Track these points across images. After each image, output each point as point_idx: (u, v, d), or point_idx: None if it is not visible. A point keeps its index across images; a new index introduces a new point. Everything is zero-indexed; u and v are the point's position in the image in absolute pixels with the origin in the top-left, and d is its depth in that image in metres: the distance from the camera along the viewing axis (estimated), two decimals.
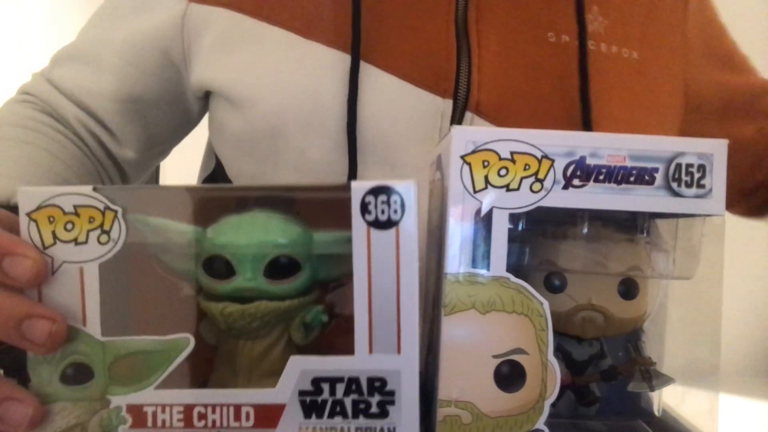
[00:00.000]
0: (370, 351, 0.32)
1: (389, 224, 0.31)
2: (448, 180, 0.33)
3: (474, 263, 0.33)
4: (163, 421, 0.32)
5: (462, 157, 0.33)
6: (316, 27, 0.53)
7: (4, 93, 0.63)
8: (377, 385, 0.32)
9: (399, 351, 0.32)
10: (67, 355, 0.33)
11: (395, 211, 0.31)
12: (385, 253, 0.32)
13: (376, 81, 0.52)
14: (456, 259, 0.33)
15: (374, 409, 0.32)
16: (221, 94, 0.56)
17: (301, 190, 0.37)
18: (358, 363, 0.32)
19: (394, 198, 0.31)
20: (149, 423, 0.32)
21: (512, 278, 0.33)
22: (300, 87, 0.53)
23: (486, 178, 0.33)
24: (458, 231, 0.33)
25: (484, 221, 0.33)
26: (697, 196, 0.33)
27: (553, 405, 0.33)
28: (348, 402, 0.32)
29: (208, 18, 0.55)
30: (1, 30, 1.87)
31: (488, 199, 0.33)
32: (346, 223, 0.32)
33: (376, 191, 0.31)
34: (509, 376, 0.33)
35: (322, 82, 0.52)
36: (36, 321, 0.31)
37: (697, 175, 0.33)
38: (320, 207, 0.36)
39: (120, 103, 0.59)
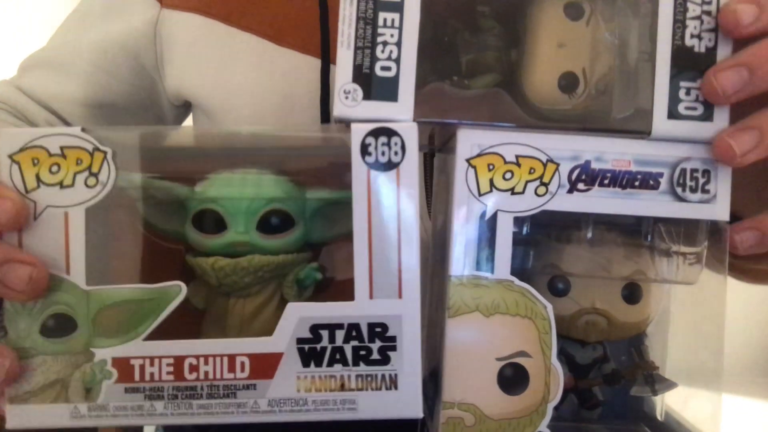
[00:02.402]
0: (371, 296, 0.31)
1: (390, 166, 0.31)
2: (453, 183, 0.33)
3: (478, 266, 0.33)
4: (152, 375, 0.31)
5: (467, 160, 0.33)
6: (286, 33, 0.53)
7: None
8: (378, 330, 0.31)
9: (400, 295, 0.31)
10: (48, 305, 0.31)
11: (396, 153, 0.31)
12: (386, 196, 0.31)
13: None
14: (460, 262, 0.33)
15: (375, 356, 0.31)
16: (196, 102, 0.56)
17: (297, 139, 0.36)
18: (358, 308, 0.31)
19: (395, 140, 0.31)
20: (136, 377, 0.31)
21: (516, 281, 0.33)
22: (274, 92, 0.53)
23: (491, 181, 0.33)
24: (463, 234, 0.33)
25: (489, 224, 0.33)
26: (701, 201, 0.33)
27: (555, 408, 0.33)
28: (348, 349, 0.31)
29: (180, 24, 0.55)
30: (1, 30, 1.87)
31: (492, 202, 0.33)
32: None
33: (376, 133, 0.31)
34: (512, 378, 0.33)
35: (296, 86, 0.52)
36: (15, 266, 0.29)
37: (701, 180, 0.33)
38: (310, 171, 0.36)
39: (90, 108, 0.58)
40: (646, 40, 0.33)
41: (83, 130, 0.31)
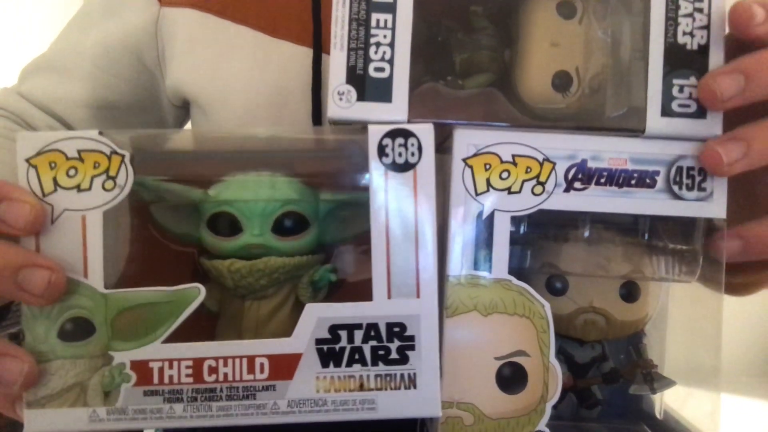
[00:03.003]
0: (389, 296, 0.31)
1: (407, 167, 0.31)
2: (449, 182, 0.33)
3: (476, 265, 0.33)
4: (171, 377, 0.31)
5: (464, 159, 0.33)
6: (281, 25, 0.53)
7: None
8: (396, 330, 0.31)
9: (418, 295, 0.31)
10: (65, 309, 0.31)
11: (413, 154, 0.32)
12: (403, 196, 0.31)
13: None
14: (458, 262, 0.33)
15: (394, 355, 0.31)
16: (192, 98, 0.56)
17: (314, 140, 0.36)
18: (377, 309, 0.31)
19: (412, 141, 0.31)
20: (155, 379, 0.31)
21: (514, 280, 0.33)
22: (268, 85, 0.53)
23: (488, 180, 0.33)
24: (460, 233, 0.33)
25: (486, 224, 0.33)
26: (698, 199, 0.33)
27: (554, 407, 0.33)
28: (367, 349, 0.31)
29: (178, 20, 0.55)
30: (1, 30, 1.87)
31: (490, 201, 0.33)
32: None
33: (393, 134, 0.31)
34: (511, 377, 0.33)
35: (290, 78, 0.52)
36: (33, 270, 0.29)
37: (698, 179, 0.33)
38: (323, 173, 0.36)
39: (92, 109, 0.58)
40: (638, 38, 0.33)
41: (100, 133, 0.31)
